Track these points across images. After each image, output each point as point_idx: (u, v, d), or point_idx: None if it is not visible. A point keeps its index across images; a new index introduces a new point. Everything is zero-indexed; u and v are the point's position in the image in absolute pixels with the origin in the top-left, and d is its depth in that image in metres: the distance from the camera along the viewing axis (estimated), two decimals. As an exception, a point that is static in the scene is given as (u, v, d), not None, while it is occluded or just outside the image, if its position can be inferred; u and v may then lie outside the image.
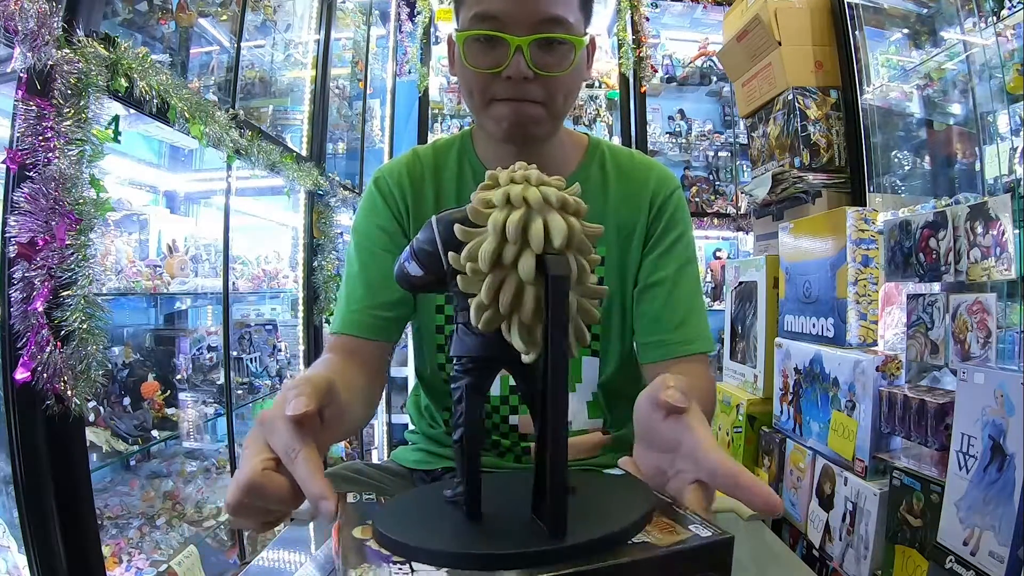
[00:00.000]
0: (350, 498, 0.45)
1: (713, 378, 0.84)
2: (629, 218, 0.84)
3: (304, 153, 2.31)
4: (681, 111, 3.34)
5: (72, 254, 1.05)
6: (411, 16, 3.26)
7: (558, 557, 0.35)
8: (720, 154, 3.34)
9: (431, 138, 3.05)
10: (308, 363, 2.37)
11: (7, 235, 1.01)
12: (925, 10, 1.73)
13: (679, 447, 0.44)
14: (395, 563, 0.36)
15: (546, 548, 0.35)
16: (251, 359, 2.15)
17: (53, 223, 1.03)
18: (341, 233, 2.46)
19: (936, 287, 1.14)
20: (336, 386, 0.48)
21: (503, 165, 0.42)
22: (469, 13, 0.72)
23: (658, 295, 0.83)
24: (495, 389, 0.84)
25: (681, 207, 0.87)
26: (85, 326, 1.06)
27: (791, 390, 1.36)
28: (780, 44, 1.66)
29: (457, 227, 0.40)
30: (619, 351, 0.86)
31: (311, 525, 0.63)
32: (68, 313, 1.04)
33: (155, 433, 1.61)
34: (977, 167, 1.52)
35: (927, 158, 1.77)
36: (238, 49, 1.89)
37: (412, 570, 0.35)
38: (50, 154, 1.02)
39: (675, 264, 0.83)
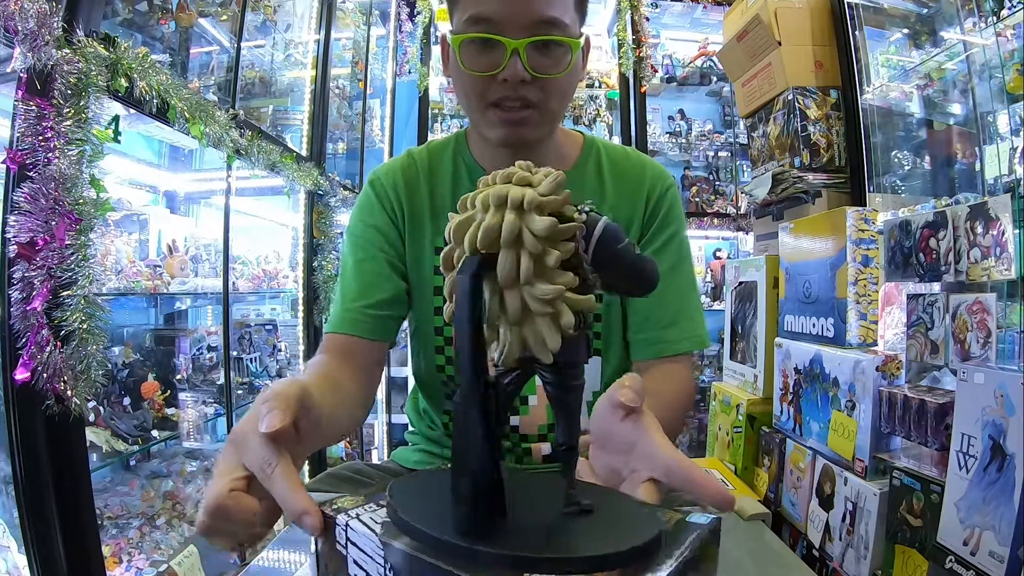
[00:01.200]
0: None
1: (691, 377, 0.85)
2: (626, 215, 0.84)
3: (304, 153, 2.31)
4: (681, 111, 3.34)
5: (72, 254, 1.05)
6: (411, 16, 3.26)
7: (481, 559, 0.34)
8: (720, 154, 3.34)
9: (431, 138, 3.05)
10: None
11: (7, 235, 1.01)
12: (925, 10, 1.73)
13: (633, 448, 0.46)
14: (369, 505, 0.39)
15: (478, 548, 0.35)
16: (251, 359, 2.15)
17: (53, 223, 1.03)
18: (341, 233, 2.46)
19: (936, 287, 1.14)
20: (312, 395, 0.46)
21: (498, 165, 0.43)
22: (464, 16, 0.71)
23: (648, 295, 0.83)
24: (495, 389, 0.85)
25: (675, 205, 0.87)
26: (85, 326, 1.06)
27: (791, 390, 1.36)
28: (780, 44, 1.65)
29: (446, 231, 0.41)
30: (621, 349, 0.86)
31: (311, 525, 0.63)
32: (68, 313, 1.04)
33: (155, 433, 1.61)
34: (977, 167, 1.52)
35: (927, 158, 1.77)
36: (238, 49, 1.89)
37: (369, 514, 0.38)
38: (50, 154, 1.02)
39: (668, 263, 0.83)
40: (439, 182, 0.85)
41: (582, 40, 0.75)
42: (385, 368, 3.06)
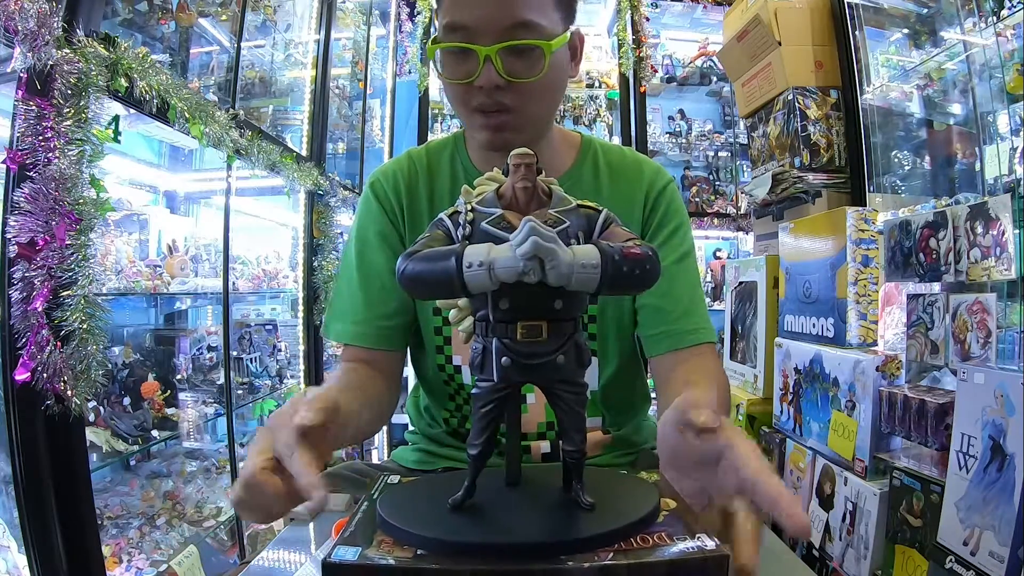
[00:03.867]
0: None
1: (720, 366, 0.83)
2: (625, 216, 0.83)
3: (304, 153, 2.30)
4: (681, 111, 3.34)
5: (72, 254, 1.05)
6: (411, 16, 3.26)
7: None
8: (720, 154, 3.34)
9: (431, 138, 3.05)
10: (308, 363, 2.37)
11: (7, 235, 1.01)
12: (925, 10, 1.73)
13: (720, 460, 0.42)
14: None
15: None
16: (251, 359, 2.14)
17: (53, 223, 1.03)
18: (341, 233, 2.46)
19: (936, 287, 1.14)
20: (341, 407, 0.52)
21: (492, 167, 0.43)
22: (442, 23, 0.72)
23: (658, 287, 0.82)
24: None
25: (675, 201, 0.86)
26: (85, 326, 1.06)
27: (791, 390, 1.36)
28: (780, 44, 1.65)
29: None
30: (618, 350, 0.86)
31: (311, 525, 0.63)
32: (68, 313, 1.04)
33: (155, 433, 1.61)
34: (977, 167, 1.52)
35: (927, 158, 1.77)
36: (238, 49, 1.89)
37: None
38: (50, 154, 1.02)
39: (673, 256, 0.82)
40: (438, 183, 0.85)
41: (566, 37, 0.74)
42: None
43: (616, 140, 3.04)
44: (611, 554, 0.36)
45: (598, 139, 0.92)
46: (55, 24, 1.03)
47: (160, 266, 1.74)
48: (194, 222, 2.29)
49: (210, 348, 1.98)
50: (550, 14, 0.72)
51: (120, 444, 1.46)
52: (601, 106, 3.21)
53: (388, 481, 0.51)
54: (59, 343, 1.04)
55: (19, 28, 0.97)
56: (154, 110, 1.32)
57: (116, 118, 1.21)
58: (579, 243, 0.40)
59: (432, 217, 0.83)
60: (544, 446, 0.84)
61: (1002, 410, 0.80)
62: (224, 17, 1.99)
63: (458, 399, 0.87)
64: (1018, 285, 1.05)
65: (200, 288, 1.87)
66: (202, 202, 2.36)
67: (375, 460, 2.84)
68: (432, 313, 0.84)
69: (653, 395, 0.92)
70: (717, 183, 3.31)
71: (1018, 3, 1.24)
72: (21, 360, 1.01)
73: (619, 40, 3.02)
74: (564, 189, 0.45)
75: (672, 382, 0.77)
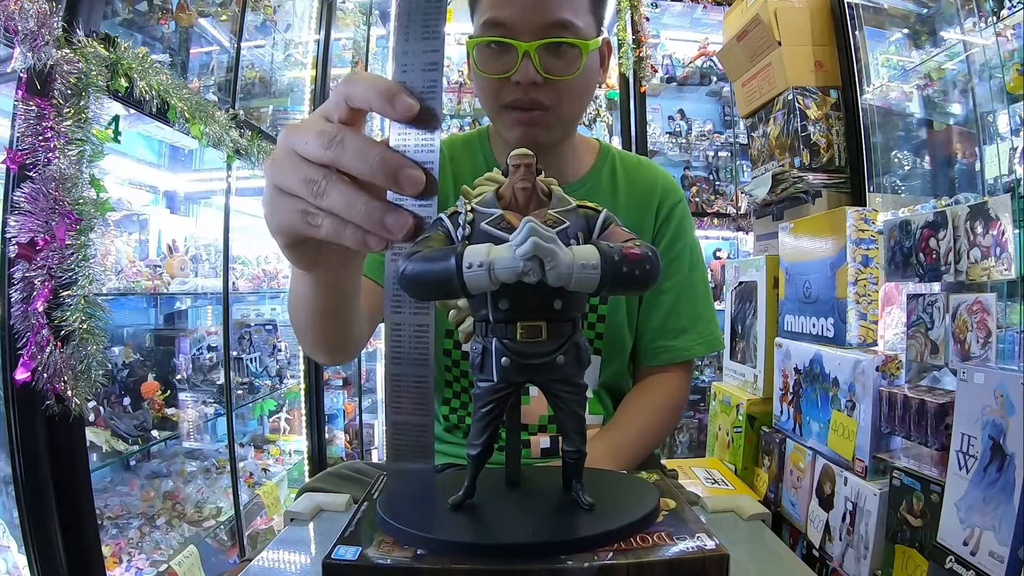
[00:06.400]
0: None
1: (687, 380, 0.91)
2: (638, 222, 0.86)
3: (304, 153, 2.30)
4: (681, 111, 3.34)
5: (72, 254, 1.05)
6: (411, 16, 3.25)
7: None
8: (720, 154, 3.34)
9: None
10: (308, 363, 2.36)
11: (7, 235, 1.01)
12: (925, 10, 1.73)
13: None
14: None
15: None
16: (251, 359, 2.14)
17: (53, 223, 1.03)
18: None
19: (936, 287, 1.13)
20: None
21: None
22: (480, 20, 0.74)
23: (663, 304, 0.88)
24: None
25: (686, 217, 0.91)
26: (85, 326, 1.06)
27: (791, 390, 1.36)
28: (780, 44, 1.65)
29: None
30: (623, 350, 0.87)
31: (311, 525, 0.63)
32: (68, 313, 1.04)
33: (155, 433, 1.61)
34: (977, 167, 1.52)
35: (927, 158, 1.77)
36: (238, 49, 1.90)
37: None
38: (50, 154, 1.02)
39: (680, 274, 0.88)
40: (463, 171, 0.88)
41: (599, 41, 0.76)
42: (382, 366, 3.07)
43: (616, 140, 3.04)
44: (611, 554, 0.36)
45: (615, 148, 0.95)
46: (55, 24, 1.03)
47: (160, 266, 1.74)
48: (194, 222, 2.29)
49: (210, 348, 1.98)
50: (585, 17, 0.74)
51: (120, 444, 1.46)
52: (601, 106, 3.21)
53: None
54: (59, 343, 1.04)
55: (19, 28, 0.97)
56: (154, 110, 1.33)
57: (116, 118, 1.21)
58: (579, 243, 0.40)
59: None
60: (544, 441, 0.85)
61: (1002, 410, 0.80)
62: (224, 17, 1.99)
63: (456, 386, 0.89)
64: (1018, 285, 1.05)
65: (200, 288, 1.87)
66: (202, 202, 2.35)
67: (375, 460, 2.84)
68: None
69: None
70: (717, 183, 3.31)
71: (1018, 3, 1.24)
72: (21, 360, 1.01)
73: (619, 40, 3.01)
74: (583, 192, 0.46)
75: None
